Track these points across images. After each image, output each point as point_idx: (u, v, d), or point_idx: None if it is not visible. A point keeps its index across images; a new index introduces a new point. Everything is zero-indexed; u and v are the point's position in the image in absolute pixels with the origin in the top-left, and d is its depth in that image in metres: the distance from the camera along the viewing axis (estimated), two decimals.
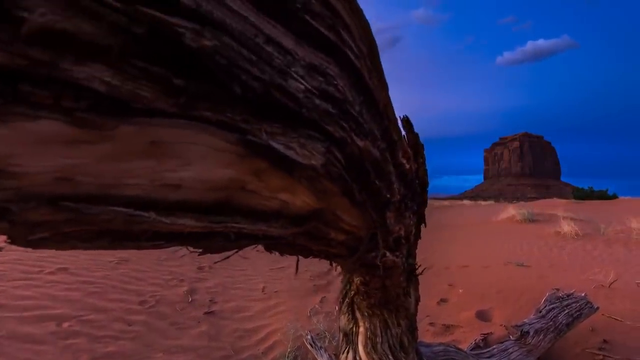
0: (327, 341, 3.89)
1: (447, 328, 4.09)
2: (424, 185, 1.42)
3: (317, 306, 4.92)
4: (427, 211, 1.54)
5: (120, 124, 0.34)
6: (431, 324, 4.21)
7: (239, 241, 0.54)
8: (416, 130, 1.20)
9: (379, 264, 1.07)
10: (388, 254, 1.16)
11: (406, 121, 1.03)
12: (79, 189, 0.35)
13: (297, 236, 0.68)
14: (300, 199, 0.60)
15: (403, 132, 1.17)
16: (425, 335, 3.97)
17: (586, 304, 3.43)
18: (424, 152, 1.37)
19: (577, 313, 3.31)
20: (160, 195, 0.41)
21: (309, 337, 3.43)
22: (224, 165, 0.44)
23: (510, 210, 13.07)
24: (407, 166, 1.14)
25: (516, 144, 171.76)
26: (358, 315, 2.19)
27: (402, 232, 1.25)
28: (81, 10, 0.28)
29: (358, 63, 0.63)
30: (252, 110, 0.43)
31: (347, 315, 2.28)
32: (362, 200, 0.75)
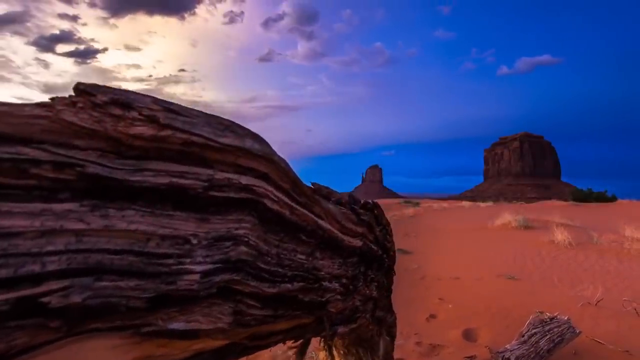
0: None
1: (434, 348, 4.12)
2: (386, 248, 1.45)
3: None
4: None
5: None
6: (418, 343, 4.25)
7: None
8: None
9: (330, 342, 1.10)
10: (341, 328, 1.20)
11: (352, 209, 1.06)
12: None
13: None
14: (218, 341, 0.63)
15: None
16: (412, 355, 4.01)
17: (568, 329, 3.47)
18: (383, 220, 1.40)
19: (559, 338, 3.34)
20: None
21: None
22: (122, 354, 0.47)
23: (506, 216, 13.09)
24: (360, 244, 1.18)
25: (516, 143, 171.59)
26: (335, 352, 2.22)
27: (358, 302, 1.28)
28: None
29: (277, 206, 0.66)
30: (145, 308, 0.46)
31: (324, 352, 2.32)
32: (293, 315, 0.78)
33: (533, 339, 3.30)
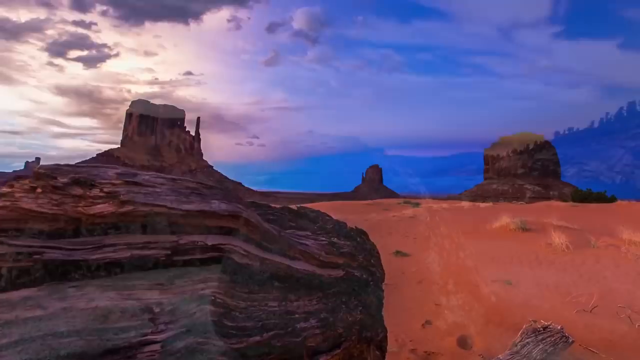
0: None
1: (428, 356, 4.14)
2: (370, 272, 1.47)
3: None
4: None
5: None
6: (413, 350, 4.26)
7: None
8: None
9: None
10: (324, 356, 1.21)
11: (332, 244, 1.08)
12: None
13: None
14: None
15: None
16: None
17: (561, 338, 3.48)
18: (367, 245, 1.42)
19: (552, 348, 3.36)
20: None
21: None
22: None
23: (505, 219, 13.05)
24: (342, 273, 1.19)
25: (516, 143, 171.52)
26: None
27: (341, 330, 1.30)
28: None
29: (247, 259, 0.68)
30: None
31: None
32: (268, 359, 0.79)
33: (525, 349, 3.31)
